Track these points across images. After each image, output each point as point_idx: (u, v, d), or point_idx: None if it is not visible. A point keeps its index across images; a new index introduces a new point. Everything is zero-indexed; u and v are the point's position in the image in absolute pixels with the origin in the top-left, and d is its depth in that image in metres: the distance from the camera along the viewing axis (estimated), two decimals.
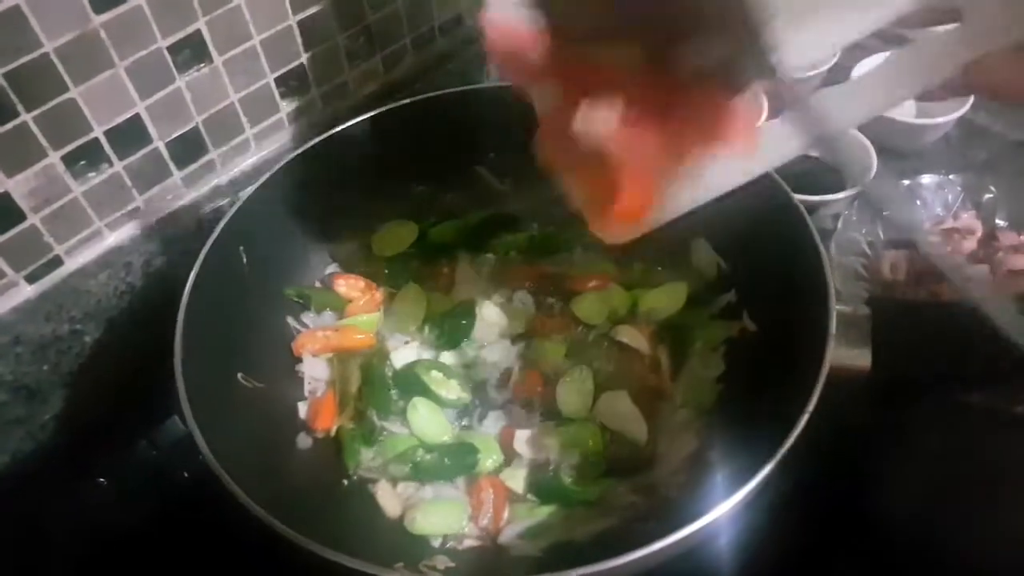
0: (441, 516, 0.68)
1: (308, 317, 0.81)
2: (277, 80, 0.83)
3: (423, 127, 0.80)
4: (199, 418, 0.56)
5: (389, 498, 0.70)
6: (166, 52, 0.73)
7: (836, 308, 0.57)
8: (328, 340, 0.78)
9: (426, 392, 0.75)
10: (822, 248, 0.61)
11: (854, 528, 0.66)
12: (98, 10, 0.66)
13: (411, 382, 0.76)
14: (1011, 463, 0.67)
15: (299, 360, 0.78)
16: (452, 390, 0.76)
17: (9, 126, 0.66)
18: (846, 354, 0.56)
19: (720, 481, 0.57)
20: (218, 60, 0.77)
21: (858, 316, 0.60)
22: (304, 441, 0.74)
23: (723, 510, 0.49)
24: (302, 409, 0.76)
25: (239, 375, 0.71)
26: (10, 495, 0.77)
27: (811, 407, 0.52)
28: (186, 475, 0.76)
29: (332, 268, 0.85)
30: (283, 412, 0.75)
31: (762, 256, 0.70)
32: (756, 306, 0.73)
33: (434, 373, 0.76)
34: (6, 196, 0.69)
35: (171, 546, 0.71)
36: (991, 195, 0.83)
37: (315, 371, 0.77)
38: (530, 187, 0.87)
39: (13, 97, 0.65)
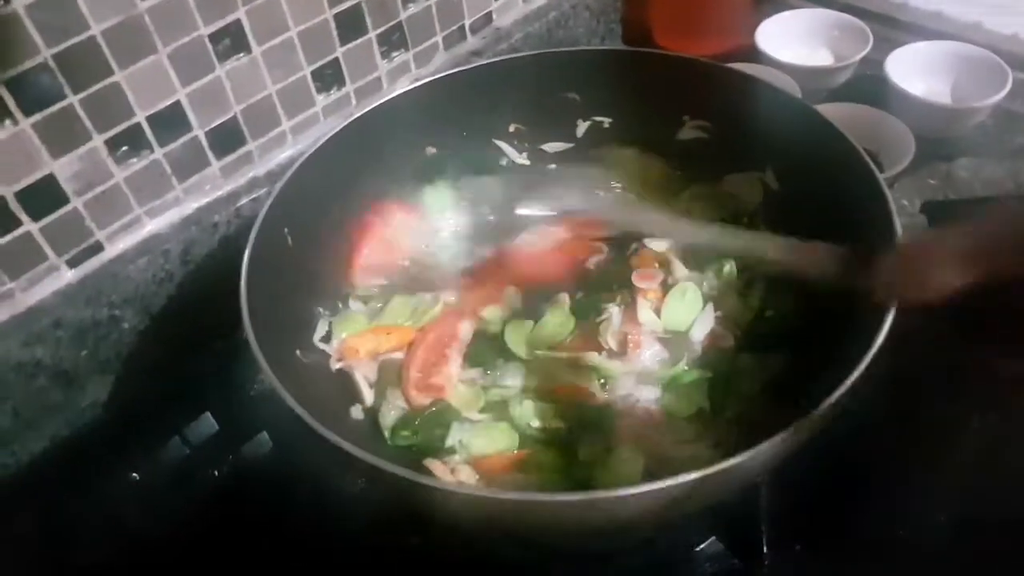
0: None
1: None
2: (313, 73, 0.85)
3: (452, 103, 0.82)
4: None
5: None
6: (207, 40, 0.75)
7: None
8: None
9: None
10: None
11: None
12: None
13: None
14: None
15: None
16: (470, 408, 0.71)
17: (56, 107, 0.68)
18: None
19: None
20: (256, 50, 0.79)
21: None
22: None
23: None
24: None
25: (297, 351, 0.70)
26: (45, 484, 0.77)
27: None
28: (216, 474, 0.77)
29: None
30: None
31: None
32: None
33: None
34: (51, 178, 0.71)
35: (198, 546, 0.70)
36: None
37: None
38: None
39: (61, 79, 0.67)
